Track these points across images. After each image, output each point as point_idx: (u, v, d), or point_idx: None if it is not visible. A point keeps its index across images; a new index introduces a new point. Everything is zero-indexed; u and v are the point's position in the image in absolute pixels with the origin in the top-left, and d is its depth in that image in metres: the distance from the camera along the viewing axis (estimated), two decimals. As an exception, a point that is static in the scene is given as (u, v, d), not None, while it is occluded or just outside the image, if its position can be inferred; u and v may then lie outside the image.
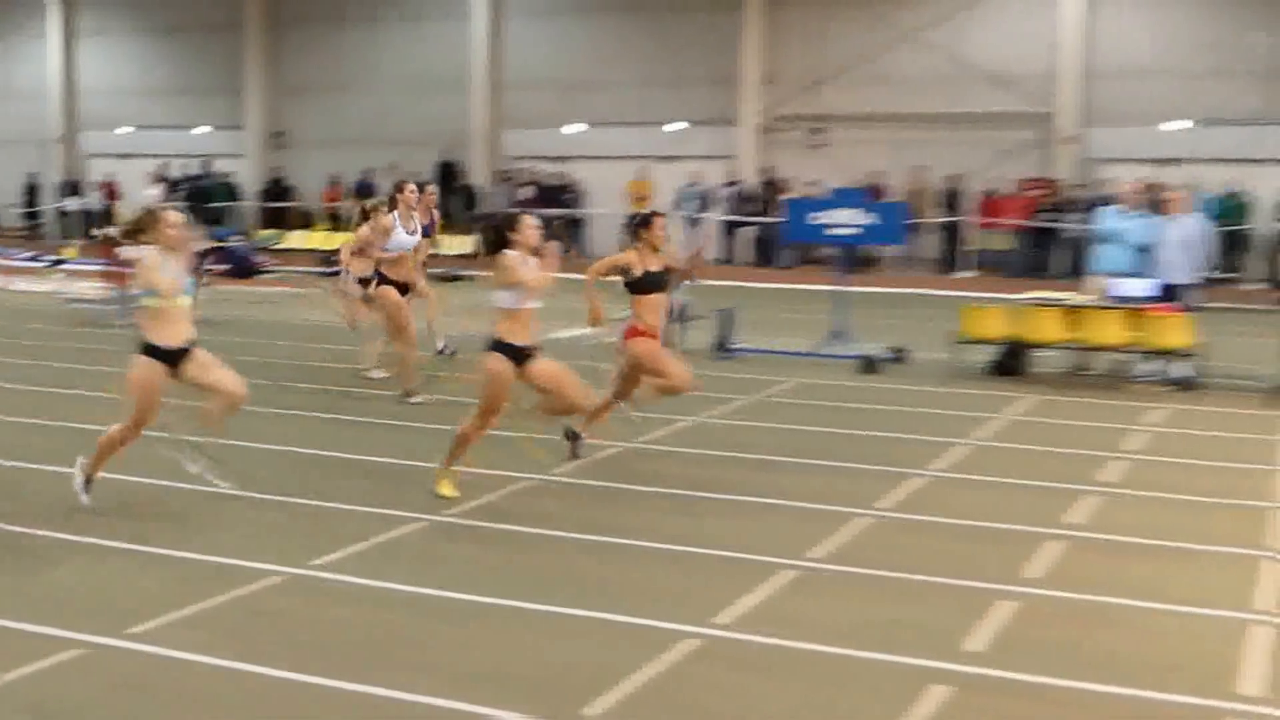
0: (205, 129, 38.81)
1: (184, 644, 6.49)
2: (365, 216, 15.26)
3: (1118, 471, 10.64)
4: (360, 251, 14.83)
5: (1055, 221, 27.67)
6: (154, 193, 36.58)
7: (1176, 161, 27.73)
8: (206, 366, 8.97)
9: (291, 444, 11.30)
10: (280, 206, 36.58)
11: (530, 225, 9.50)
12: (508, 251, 9.31)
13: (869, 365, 15.76)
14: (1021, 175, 29.62)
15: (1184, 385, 14.52)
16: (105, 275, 21.22)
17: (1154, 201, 17.51)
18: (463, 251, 30.06)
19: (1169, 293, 14.93)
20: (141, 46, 39.44)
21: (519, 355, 9.32)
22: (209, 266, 24.19)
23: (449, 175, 34.63)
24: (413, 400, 13.24)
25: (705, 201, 31.13)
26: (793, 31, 31.84)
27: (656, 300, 10.79)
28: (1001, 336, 15.47)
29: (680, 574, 7.86)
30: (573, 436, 10.74)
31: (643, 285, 10.69)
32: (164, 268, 8.72)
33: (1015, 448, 11.63)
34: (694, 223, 30.81)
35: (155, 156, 38.08)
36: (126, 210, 34.80)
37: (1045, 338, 15.20)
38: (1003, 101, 29.97)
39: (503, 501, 9.45)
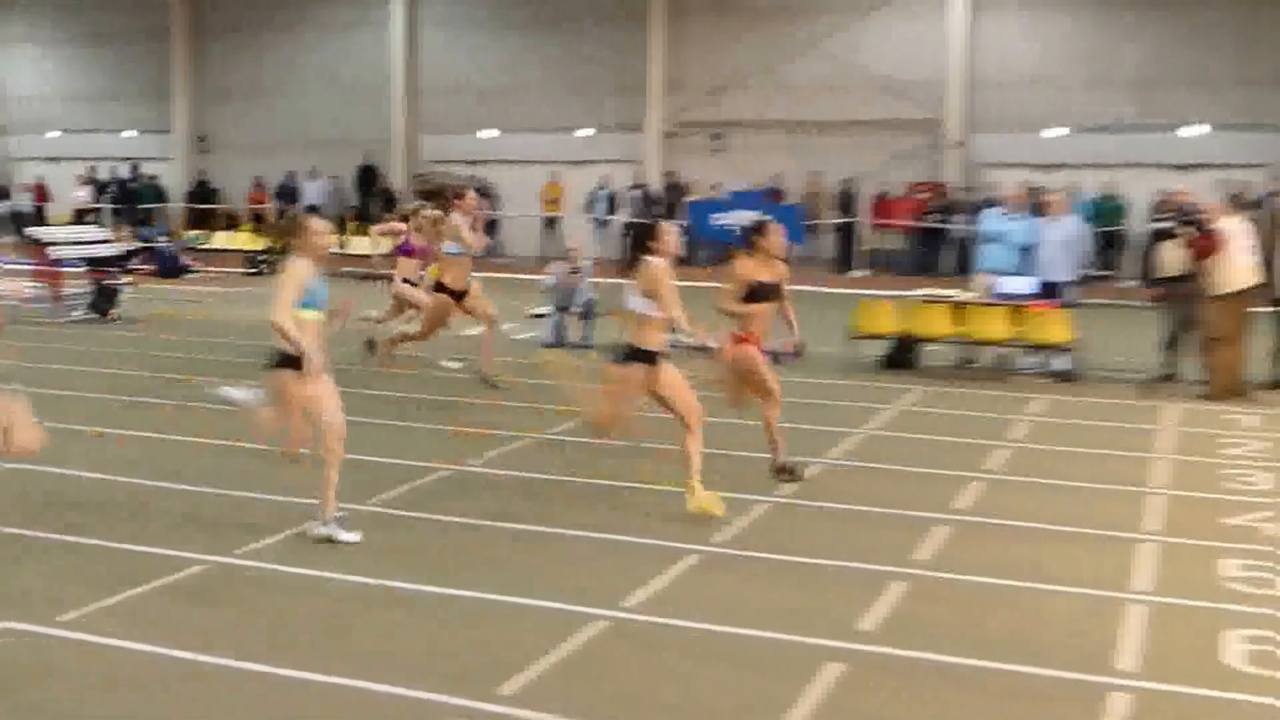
0: (132, 133, 38.14)
1: (109, 630, 6.40)
2: (404, 219, 14.72)
3: (1002, 459, 10.75)
4: (417, 253, 14.44)
5: (943, 223, 27.92)
6: (82, 194, 35.97)
7: (1056, 166, 28.12)
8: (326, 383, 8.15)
9: (216, 436, 11.12)
10: (206, 208, 36.08)
11: (670, 232, 9.04)
12: (651, 259, 8.83)
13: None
14: (912, 179, 29.84)
15: (1064, 377, 14.71)
16: (36, 275, 20.84)
17: (1035, 204, 17.72)
18: (381, 252, 29.80)
19: (1049, 290, 15.11)
20: (70, 53, 38.64)
21: (652, 360, 8.91)
22: (136, 266, 23.89)
23: (369, 178, 34.34)
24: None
25: (613, 204, 31.10)
26: (695, 42, 31.88)
27: (764, 309, 9.98)
28: (893, 332, 15.59)
29: (591, 560, 7.83)
30: None
31: (752, 294, 9.90)
32: (309, 278, 7.99)
33: (906, 436, 11.70)
34: (603, 224, 30.83)
35: (84, 160, 37.43)
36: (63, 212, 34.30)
37: (934, 333, 15.33)
38: (894, 109, 30.20)
39: (420, 491, 9.36)
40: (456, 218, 13.38)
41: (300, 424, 8.38)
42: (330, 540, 7.97)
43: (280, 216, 9.04)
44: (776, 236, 10.05)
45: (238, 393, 8.93)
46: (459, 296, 13.41)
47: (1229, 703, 5.80)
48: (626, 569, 7.55)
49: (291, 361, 7.87)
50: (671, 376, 8.99)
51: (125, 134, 38.13)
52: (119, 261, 21.42)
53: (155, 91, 37.54)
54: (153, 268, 26.82)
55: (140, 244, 28.00)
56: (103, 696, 5.73)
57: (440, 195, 14.17)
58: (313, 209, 33.91)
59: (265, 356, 8.07)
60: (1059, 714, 5.71)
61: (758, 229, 10.14)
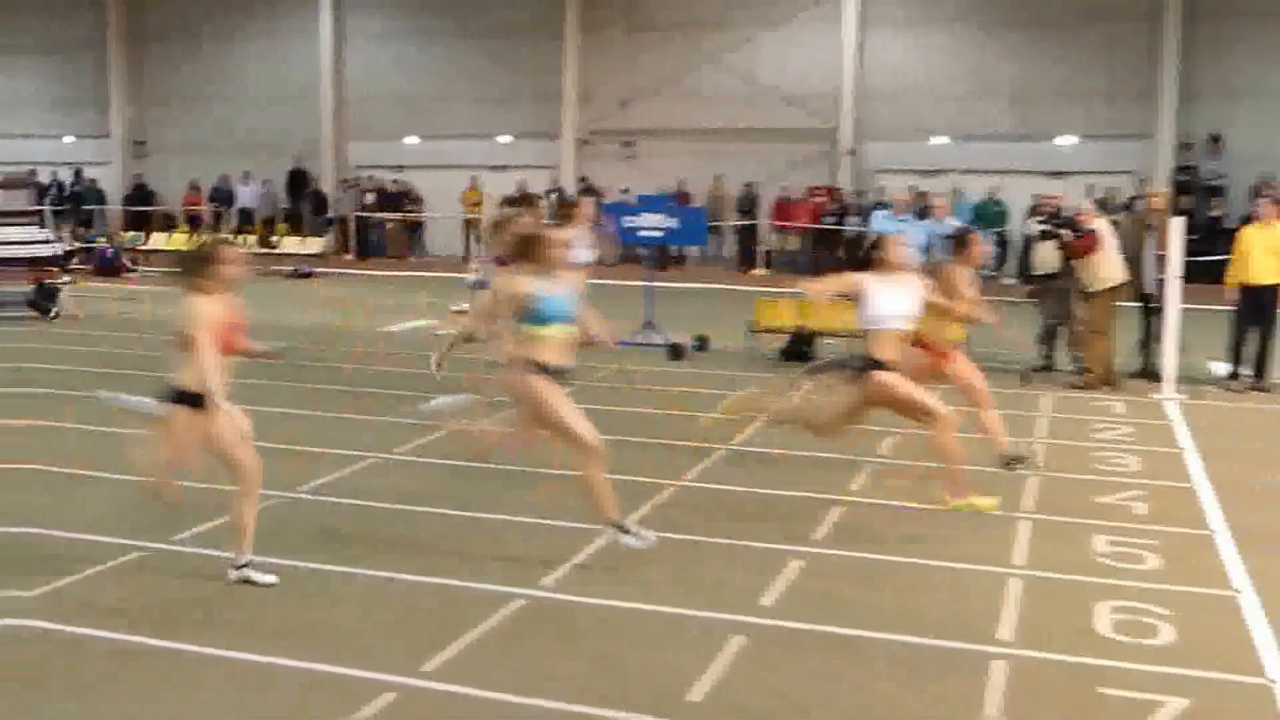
0: (70, 138, 37.30)
1: (50, 615, 6.27)
2: (497, 228, 13.93)
3: (892, 444, 10.80)
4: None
5: (838, 224, 28.13)
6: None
7: (941, 172, 28.44)
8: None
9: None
10: (144, 210, 35.38)
11: (896, 243, 8.35)
12: (866, 274, 8.20)
13: (676, 352, 15.81)
14: (809, 183, 30.04)
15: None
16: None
17: (921, 207, 17.89)
18: (311, 251, 29.57)
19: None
20: (7, 60, 37.68)
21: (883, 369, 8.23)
22: (76, 266, 23.42)
23: (300, 182, 33.90)
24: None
25: (531, 207, 30.98)
26: (607, 55, 31.85)
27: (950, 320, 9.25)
28: (791, 326, 15.65)
29: (513, 541, 7.77)
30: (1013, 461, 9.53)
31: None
32: (543, 291, 7.28)
33: (805, 424, 11.75)
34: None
35: (22, 164, 36.47)
36: None
37: (829, 327, 15.41)
38: (792, 118, 30.36)
39: (349, 478, 9.25)
40: (573, 229, 12.43)
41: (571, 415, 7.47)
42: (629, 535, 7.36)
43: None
44: (978, 248, 9.45)
45: None
46: None
47: (1100, 668, 5.88)
48: (544, 549, 7.51)
49: (542, 367, 7.26)
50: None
51: (65, 139, 37.32)
52: (59, 261, 20.98)
53: (93, 97, 36.77)
54: (91, 267, 26.43)
55: (82, 244, 27.55)
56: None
57: (526, 203, 13.30)
58: (246, 212, 33.50)
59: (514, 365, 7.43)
60: (944, 681, 5.76)
61: (960, 240, 9.52)
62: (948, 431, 8.43)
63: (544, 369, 7.25)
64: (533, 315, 7.26)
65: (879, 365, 8.25)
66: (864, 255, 8.45)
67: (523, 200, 13.66)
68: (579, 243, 12.18)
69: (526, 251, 7.43)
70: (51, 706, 5.37)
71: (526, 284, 7.28)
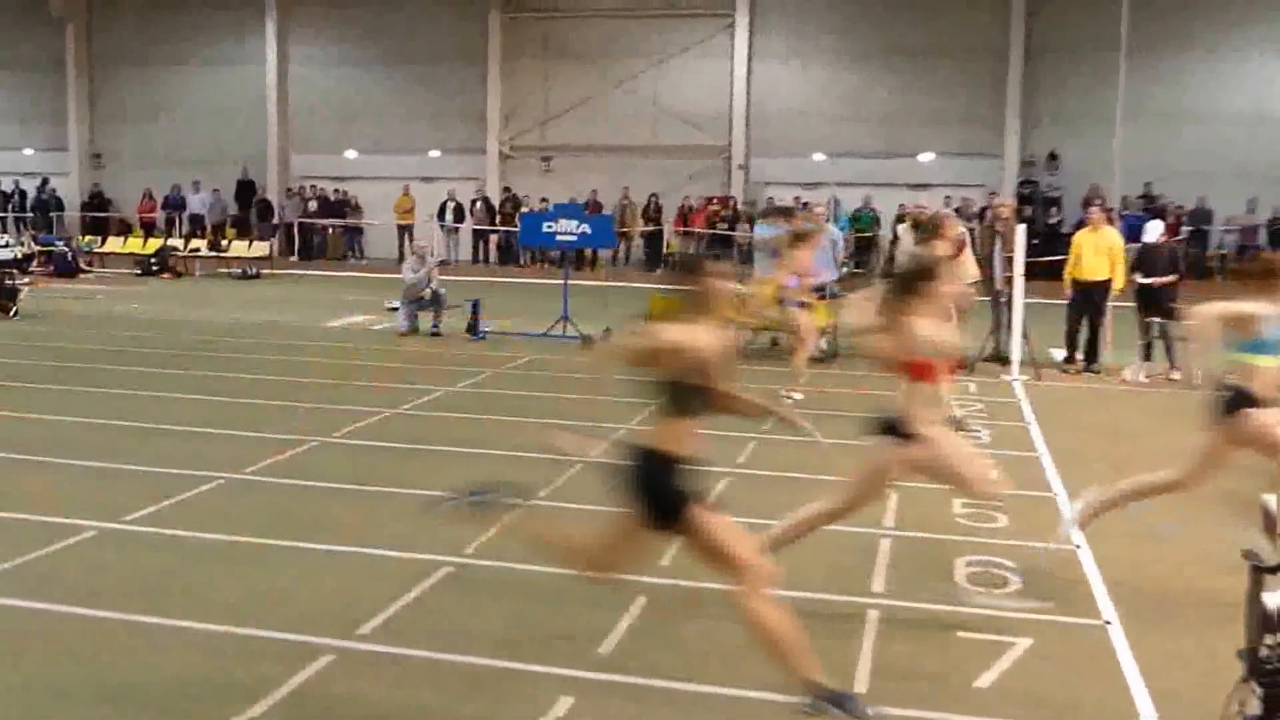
0: (30, 150, 36.17)
1: (12, 591, 6.05)
2: (801, 239, 13.01)
3: (775, 421, 10.80)
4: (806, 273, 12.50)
5: (730, 230, 28.26)
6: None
7: (820, 184, 28.72)
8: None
9: (106, 416, 10.63)
10: (101, 217, 34.46)
11: None
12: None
13: (587, 342, 15.73)
14: (706, 194, 30.17)
15: (827, 355, 14.95)
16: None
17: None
18: (257, 255, 29.03)
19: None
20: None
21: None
22: (34, 269, 22.75)
23: (248, 191, 33.30)
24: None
25: (460, 214, 30.75)
26: (527, 79, 31.71)
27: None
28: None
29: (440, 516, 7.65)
30: None
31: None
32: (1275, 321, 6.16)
33: (701, 405, 11.73)
34: (453, 231, 30.55)
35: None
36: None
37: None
38: (691, 136, 30.48)
39: (290, 460, 9.07)
40: (942, 247, 11.22)
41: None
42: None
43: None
44: None
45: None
46: None
47: (959, 615, 5.94)
48: (468, 522, 7.39)
49: (1253, 400, 6.18)
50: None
51: (25, 151, 36.19)
52: (18, 264, 20.36)
53: (52, 113, 35.66)
54: (50, 269, 25.77)
55: (40, 247, 26.83)
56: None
57: (784, 215, 12.37)
58: (197, 218, 32.78)
59: (1219, 398, 6.37)
60: (825, 628, 5.76)
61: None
62: None
63: (1254, 401, 6.19)
64: (1255, 344, 6.22)
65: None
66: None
67: (781, 213, 13.07)
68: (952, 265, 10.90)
69: (1268, 279, 6.22)
70: (16, 675, 5.19)
71: (1268, 311, 6.16)
